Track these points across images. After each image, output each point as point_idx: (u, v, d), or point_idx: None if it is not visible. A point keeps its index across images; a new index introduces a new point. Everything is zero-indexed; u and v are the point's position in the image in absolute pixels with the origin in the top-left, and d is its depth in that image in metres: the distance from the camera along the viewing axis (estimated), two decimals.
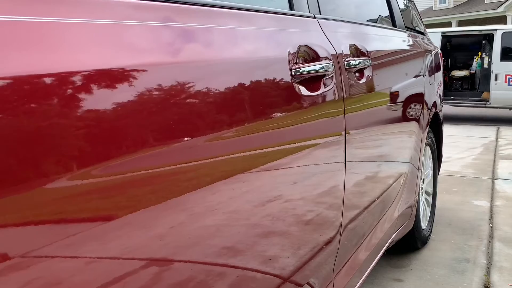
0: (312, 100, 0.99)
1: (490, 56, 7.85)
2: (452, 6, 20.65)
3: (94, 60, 0.52)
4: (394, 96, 1.64)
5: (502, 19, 16.61)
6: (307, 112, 0.98)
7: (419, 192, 2.25)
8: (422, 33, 2.64)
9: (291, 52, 0.94)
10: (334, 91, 1.09)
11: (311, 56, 1.02)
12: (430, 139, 2.43)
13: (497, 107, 7.75)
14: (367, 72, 1.34)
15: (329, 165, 1.09)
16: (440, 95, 2.67)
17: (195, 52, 0.69)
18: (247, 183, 0.77)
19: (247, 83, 0.79)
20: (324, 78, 1.05)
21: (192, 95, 0.65)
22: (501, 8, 17.52)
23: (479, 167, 4.38)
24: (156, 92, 0.59)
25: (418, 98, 2.03)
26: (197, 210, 0.65)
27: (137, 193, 0.55)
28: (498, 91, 7.55)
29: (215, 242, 0.70)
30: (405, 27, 2.19)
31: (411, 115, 1.92)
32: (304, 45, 1.00)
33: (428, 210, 2.56)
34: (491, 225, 2.77)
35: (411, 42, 2.14)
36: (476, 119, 8.05)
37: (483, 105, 7.80)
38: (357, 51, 1.30)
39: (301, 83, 0.96)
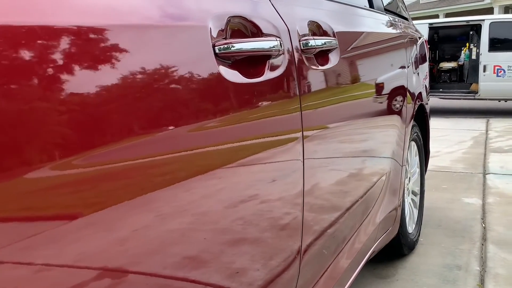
0: (250, 89, 0.76)
1: (478, 47, 7.69)
2: None
3: None
4: (369, 85, 1.41)
5: (489, 11, 16.53)
6: (243, 104, 0.74)
7: (403, 193, 2.02)
8: (406, 19, 2.42)
9: (215, 24, 0.70)
10: (284, 77, 0.86)
11: (250, 30, 0.78)
12: (415, 134, 2.21)
13: (486, 99, 7.59)
14: (333, 57, 1.11)
15: (279, 169, 0.86)
16: (426, 86, 2.45)
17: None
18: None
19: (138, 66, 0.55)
20: (270, 61, 0.81)
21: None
22: (488, 0, 17.48)
23: (469, 161, 4.19)
24: None
25: (399, 88, 1.81)
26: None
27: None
28: (487, 83, 7.39)
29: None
30: (385, 9, 1.97)
31: (391, 108, 1.69)
32: (238, 16, 0.76)
33: (416, 212, 2.34)
34: (483, 225, 2.56)
35: (391, 26, 1.92)
36: (465, 111, 7.88)
37: (472, 97, 7.65)
38: (319, 30, 1.07)
39: (232, 66, 0.72)
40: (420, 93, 2.22)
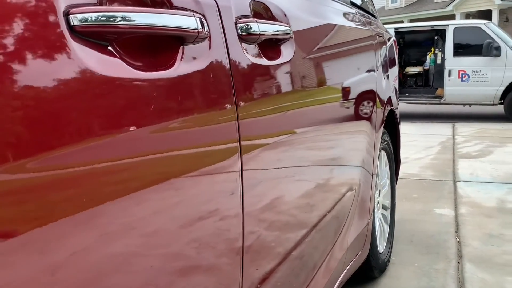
0: (149, 87, 0.49)
1: (443, 52, 7.71)
2: (403, 5, 21.03)
3: None
4: (333, 88, 1.17)
5: (451, 18, 16.90)
6: (136, 108, 0.47)
7: (374, 209, 1.80)
8: (373, 16, 2.21)
9: None
10: (210, 72, 0.60)
11: None
12: (385, 142, 2.00)
13: (451, 104, 7.60)
14: (286, 49, 0.85)
15: (211, 193, 0.60)
16: (395, 89, 2.25)
17: None
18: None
19: None
20: (185, 47, 0.55)
21: None
22: (450, 7, 17.93)
23: (438, 167, 4.05)
24: None
25: (367, 92, 1.58)
26: None
27: None
28: (452, 87, 7.40)
29: None
30: (351, 2, 1.74)
31: (358, 113, 1.46)
32: None
33: (387, 228, 2.12)
34: (458, 240, 2.37)
35: (359, 22, 1.69)
36: (431, 116, 7.87)
37: (438, 102, 7.64)
38: (268, 14, 0.81)
39: (114, 51, 0.45)
40: (390, 98, 2.01)
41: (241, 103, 0.65)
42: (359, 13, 1.77)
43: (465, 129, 6.30)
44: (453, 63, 7.41)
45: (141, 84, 0.48)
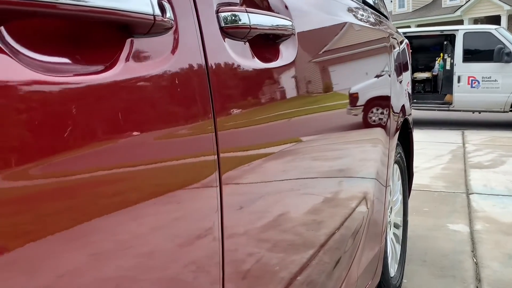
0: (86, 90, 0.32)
1: (452, 57, 7.52)
2: (411, 10, 20.88)
3: None
4: (340, 95, 0.99)
5: (459, 23, 16.70)
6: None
7: (386, 231, 1.62)
8: (386, 17, 2.04)
9: None
10: (175, 77, 0.43)
11: None
12: (398, 155, 1.82)
13: (460, 110, 7.40)
14: (287, 49, 0.68)
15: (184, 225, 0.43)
16: (409, 94, 2.07)
17: None
18: None
19: None
20: (135, 41, 0.38)
21: None
22: (458, 12, 17.75)
23: (450, 178, 3.86)
24: None
25: (381, 98, 1.40)
26: None
27: None
28: (461, 94, 7.21)
29: None
30: (363, 1, 1.57)
31: (371, 121, 1.29)
32: None
33: (398, 248, 1.94)
34: (475, 261, 2.18)
35: (371, 21, 1.52)
36: (440, 123, 7.66)
37: (447, 108, 7.45)
38: (263, 3, 0.64)
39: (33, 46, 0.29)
40: (404, 105, 1.84)
41: (222, 120, 0.48)
42: (372, 12, 1.60)
43: (475, 137, 6.10)
44: (462, 69, 7.23)
45: (51, 91, 0.31)
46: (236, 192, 0.55)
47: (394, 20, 20.28)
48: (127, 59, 0.37)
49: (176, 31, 0.43)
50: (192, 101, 0.45)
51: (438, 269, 2.09)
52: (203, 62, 0.46)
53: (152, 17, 0.38)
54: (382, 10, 2.03)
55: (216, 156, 0.48)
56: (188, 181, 0.46)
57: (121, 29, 0.38)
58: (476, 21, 17.71)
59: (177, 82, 0.42)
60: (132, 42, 0.38)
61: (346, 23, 1.13)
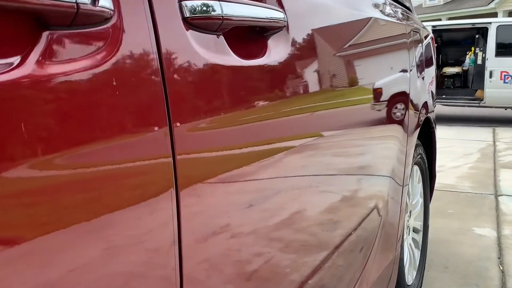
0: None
1: (484, 51, 7.23)
2: (442, 3, 20.28)
3: None
4: (345, 92, 0.91)
5: (492, 16, 16.08)
6: None
7: (402, 236, 1.52)
8: (408, 9, 1.92)
9: None
10: (102, 72, 0.36)
11: None
12: (419, 156, 1.71)
13: (492, 107, 7.11)
14: (277, 43, 0.60)
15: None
16: (432, 92, 1.96)
17: None
18: None
19: None
20: (55, 33, 0.32)
21: None
22: (492, 5, 17.10)
23: (477, 178, 3.69)
24: None
25: (397, 96, 1.31)
26: None
27: None
28: (493, 89, 6.93)
29: None
30: None
31: (383, 119, 1.20)
32: None
33: (417, 254, 1.84)
34: (501, 269, 2.05)
35: (389, 14, 1.42)
36: (469, 119, 7.39)
37: (477, 105, 7.18)
38: None
39: None
40: (425, 103, 1.73)
41: (177, 118, 0.41)
42: (390, 3, 1.50)
43: (507, 134, 5.84)
44: (495, 64, 6.95)
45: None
46: (194, 202, 0.48)
47: (425, 13, 19.71)
48: (42, 57, 0.31)
49: (118, 23, 0.36)
50: (139, 104, 0.38)
51: (461, 277, 1.97)
52: (156, 59, 0.39)
53: (74, 5, 0.32)
54: (405, 2, 1.92)
55: (173, 173, 0.41)
56: (140, 198, 0.40)
57: (35, 21, 0.31)
58: (511, 13, 17.02)
59: (114, 83, 0.35)
60: (49, 36, 0.32)
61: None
